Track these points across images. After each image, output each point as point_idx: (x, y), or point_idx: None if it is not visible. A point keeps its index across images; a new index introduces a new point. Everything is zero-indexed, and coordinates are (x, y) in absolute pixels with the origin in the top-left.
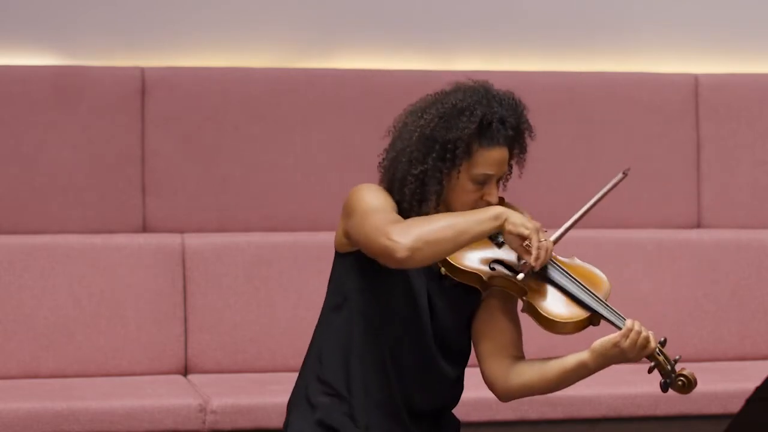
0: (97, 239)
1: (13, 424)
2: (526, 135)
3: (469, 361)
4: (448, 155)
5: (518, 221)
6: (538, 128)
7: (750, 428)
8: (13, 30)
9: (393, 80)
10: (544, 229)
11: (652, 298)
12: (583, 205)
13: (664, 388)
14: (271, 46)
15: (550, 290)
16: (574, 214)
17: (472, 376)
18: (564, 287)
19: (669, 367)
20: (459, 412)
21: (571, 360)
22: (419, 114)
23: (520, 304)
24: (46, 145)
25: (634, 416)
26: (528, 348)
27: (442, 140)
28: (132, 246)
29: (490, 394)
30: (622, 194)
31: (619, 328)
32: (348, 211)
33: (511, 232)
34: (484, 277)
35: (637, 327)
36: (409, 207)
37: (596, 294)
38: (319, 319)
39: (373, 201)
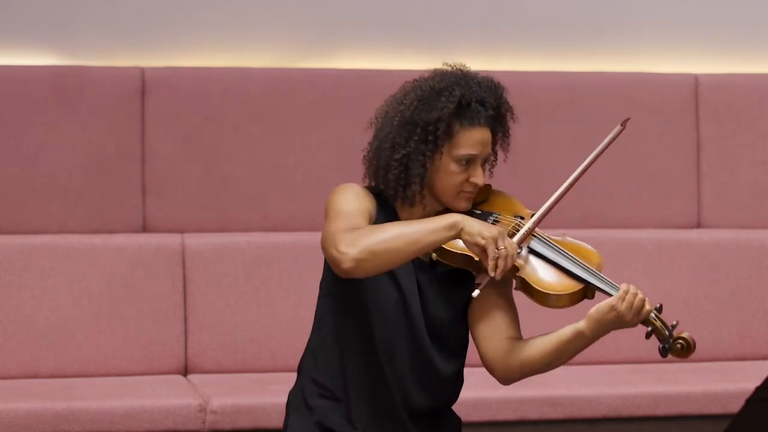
0: (97, 239)
1: (13, 424)
2: (508, 117)
3: (469, 361)
4: (429, 137)
5: (475, 230)
6: (538, 128)
7: (750, 428)
8: (13, 30)
9: (393, 80)
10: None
11: (652, 298)
12: (582, 162)
13: (663, 353)
14: (271, 46)
15: (542, 265)
16: (573, 174)
17: (472, 376)
18: (555, 261)
19: (667, 332)
20: (459, 412)
21: (568, 330)
22: (399, 101)
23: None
24: (46, 145)
25: (634, 416)
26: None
27: (422, 122)
28: (132, 246)
29: (490, 394)
30: (622, 194)
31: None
32: (324, 213)
33: (467, 242)
34: (475, 258)
35: (632, 289)
36: (394, 193)
37: (588, 266)
38: (314, 319)
39: (341, 205)
